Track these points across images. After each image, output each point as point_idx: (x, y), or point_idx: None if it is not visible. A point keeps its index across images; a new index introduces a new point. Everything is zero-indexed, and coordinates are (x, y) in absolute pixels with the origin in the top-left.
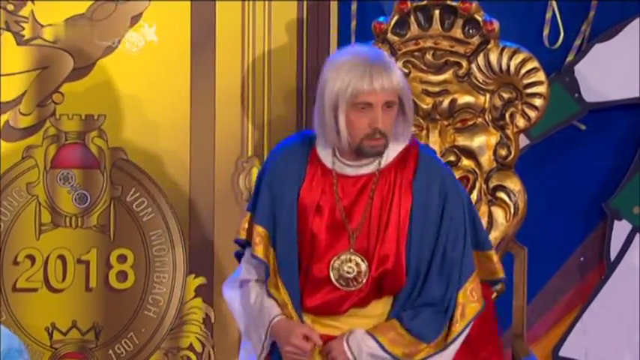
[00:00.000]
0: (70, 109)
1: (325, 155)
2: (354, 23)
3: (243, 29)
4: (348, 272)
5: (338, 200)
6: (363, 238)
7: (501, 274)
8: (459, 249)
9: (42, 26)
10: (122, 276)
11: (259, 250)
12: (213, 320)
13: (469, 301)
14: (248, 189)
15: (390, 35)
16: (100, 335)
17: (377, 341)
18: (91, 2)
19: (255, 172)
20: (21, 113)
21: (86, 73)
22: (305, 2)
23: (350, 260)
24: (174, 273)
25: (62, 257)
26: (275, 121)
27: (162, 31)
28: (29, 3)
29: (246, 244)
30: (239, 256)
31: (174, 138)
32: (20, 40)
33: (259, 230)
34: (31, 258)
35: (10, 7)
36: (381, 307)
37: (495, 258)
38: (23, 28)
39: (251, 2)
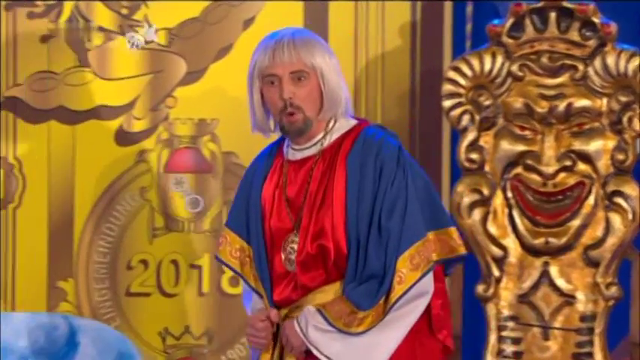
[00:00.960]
0: (183, 113)
1: (285, 147)
2: (469, 26)
3: (356, 31)
4: (290, 253)
5: (285, 187)
6: (304, 218)
7: (462, 251)
8: (396, 218)
9: (155, 30)
10: (234, 281)
11: (222, 251)
12: None
13: (409, 269)
14: None
15: (505, 38)
16: (212, 340)
17: (322, 314)
18: (205, 5)
19: None
20: (134, 117)
21: (199, 77)
22: (419, 3)
23: (293, 241)
24: None
25: (175, 262)
26: (388, 124)
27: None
28: (143, 7)
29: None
30: None
31: None
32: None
33: (227, 232)
34: (144, 263)
35: (125, 10)
36: (330, 293)
37: (456, 235)
38: (137, 32)
39: (364, 3)
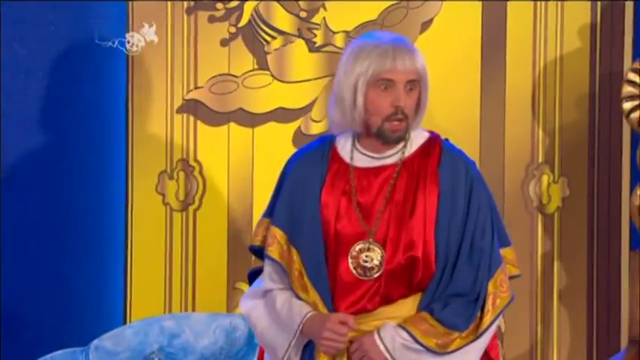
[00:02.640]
0: None
1: (344, 151)
2: None
3: (535, 32)
4: (365, 261)
5: (354, 195)
6: (383, 227)
7: (514, 272)
8: (487, 238)
9: (333, 33)
10: None
11: (273, 250)
12: (503, 330)
13: (500, 291)
14: (538, 196)
15: None
16: None
17: (409, 333)
18: (383, 8)
19: (545, 179)
20: (312, 120)
21: None
22: (599, 3)
23: (368, 249)
24: None
25: None
26: (566, 127)
27: (454, 33)
28: (321, 10)
29: (262, 250)
30: (251, 276)
31: (463, 143)
32: (312, 47)
33: (275, 232)
34: None
35: (303, 14)
36: (409, 305)
37: (512, 255)
38: (315, 35)
39: (543, 3)
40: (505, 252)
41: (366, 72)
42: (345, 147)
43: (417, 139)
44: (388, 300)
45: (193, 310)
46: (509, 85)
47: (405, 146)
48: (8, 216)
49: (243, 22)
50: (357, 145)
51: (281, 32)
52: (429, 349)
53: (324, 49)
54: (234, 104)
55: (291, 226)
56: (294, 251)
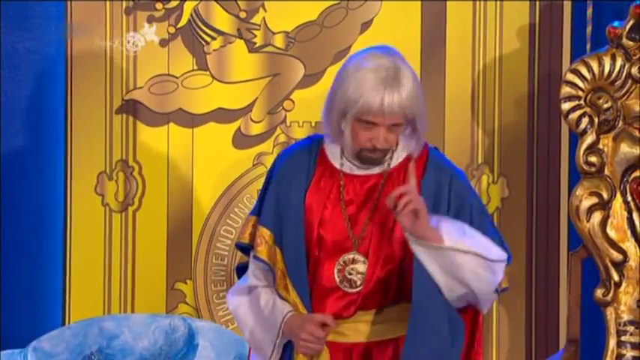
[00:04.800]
0: (301, 116)
1: (333, 155)
2: (589, 29)
3: (474, 31)
4: (350, 273)
5: (343, 202)
6: (367, 239)
7: (505, 284)
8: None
9: (273, 33)
10: None
11: (262, 251)
12: None
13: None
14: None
15: (625, 40)
16: None
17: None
18: (322, 8)
19: (485, 179)
20: (252, 120)
21: (317, 80)
22: (538, 4)
23: (353, 261)
24: None
25: None
26: (506, 127)
27: (393, 33)
28: (261, 10)
29: (249, 248)
30: (239, 270)
31: None
32: (252, 48)
33: (263, 232)
34: None
35: (243, 14)
36: (395, 312)
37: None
38: (255, 36)
39: (482, 3)
40: None
41: (354, 106)
42: (334, 150)
43: (404, 148)
44: (364, 309)
45: (132, 311)
46: (449, 85)
47: (391, 157)
48: None
49: (183, 22)
50: (345, 152)
51: (221, 33)
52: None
53: (263, 50)
54: (173, 104)
55: (277, 225)
56: (278, 251)
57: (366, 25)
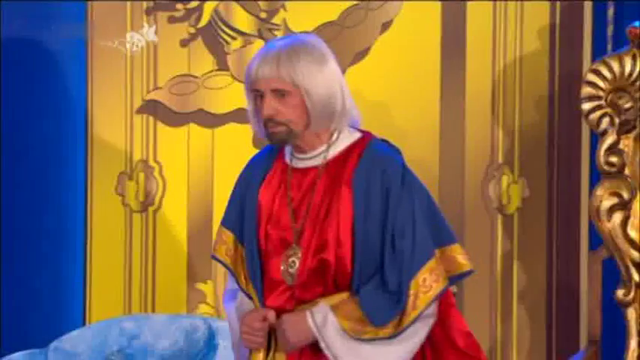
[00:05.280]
0: None
1: (288, 152)
2: (610, 29)
3: (494, 32)
4: (290, 266)
5: (289, 196)
6: (305, 231)
7: (466, 268)
8: (408, 238)
9: (294, 33)
10: None
11: (218, 249)
12: None
13: (421, 291)
14: (498, 197)
15: None
16: None
17: (334, 313)
18: (343, 9)
19: (505, 179)
20: None
21: None
22: (558, 4)
23: (294, 254)
24: None
25: None
26: (526, 128)
27: (413, 33)
28: (281, 10)
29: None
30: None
31: (423, 145)
32: None
33: (223, 232)
34: None
35: (263, 14)
36: (329, 302)
37: (460, 250)
38: (275, 36)
39: (502, 3)
40: (451, 249)
41: (245, 81)
42: (288, 148)
43: (345, 140)
44: (302, 301)
45: (153, 311)
46: (469, 86)
47: (327, 149)
48: None
49: (203, 22)
50: (291, 147)
51: (241, 33)
52: (344, 331)
53: None
54: (194, 105)
55: (238, 225)
56: (240, 249)
57: (386, 26)
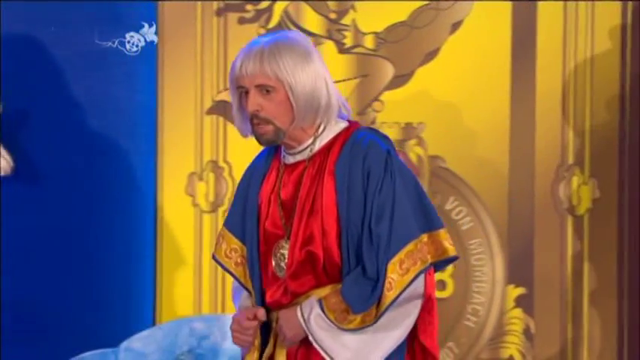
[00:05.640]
0: (390, 117)
1: (282, 149)
2: None
3: (565, 32)
4: (280, 259)
5: (279, 191)
6: (294, 224)
7: (451, 253)
8: (385, 223)
9: (363, 34)
10: (441, 285)
11: (218, 250)
12: (533, 331)
13: (398, 275)
14: (568, 197)
15: None
16: None
17: (320, 305)
18: (412, 9)
19: (575, 180)
20: None
21: (406, 80)
22: (630, 4)
23: (283, 247)
24: (493, 283)
25: None
26: (597, 128)
27: (484, 34)
28: (351, 11)
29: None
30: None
31: (493, 145)
32: (341, 48)
33: (224, 232)
34: None
35: (333, 15)
36: (323, 293)
37: (447, 236)
38: (345, 37)
39: (573, 3)
40: (438, 234)
41: (230, 80)
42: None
43: (330, 132)
44: (296, 294)
45: (223, 311)
46: (540, 86)
47: (313, 142)
48: (39, 217)
49: (273, 23)
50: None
51: (310, 33)
52: (330, 322)
53: (353, 51)
54: None
55: (239, 226)
56: (241, 246)
57: (456, 26)
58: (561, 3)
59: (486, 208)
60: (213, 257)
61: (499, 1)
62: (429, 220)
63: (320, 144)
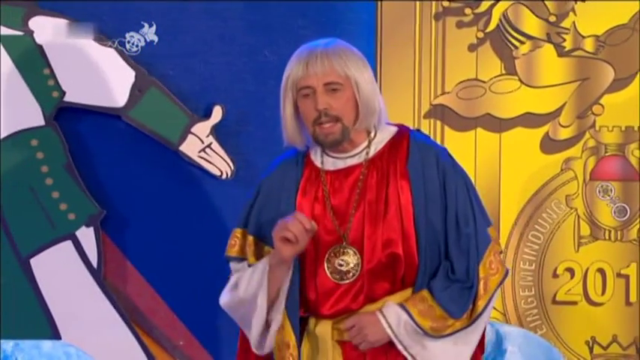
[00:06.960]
0: (610, 120)
1: (316, 157)
2: None
3: None
4: (340, 265)
5: (327, 199)
6: (357, 228)
7: (499, 248)
8: (471, 223)
9: (583, 37)
10: None
11: (233, 249)
12: None
13: (490, 274)
14: None
15: None
16: None
17: (407, 312)
18: (634, 11)
19: None
20: (560, 125)
21: (627, 84)
22: None
23: (343, 253)
24: None
25: (602, 271)
26: None
27: None
28: (571, 14)
29: (238, 260)
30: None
31: None
32: (561, 52)
33: (247, 237)
34: (570, 271)
35: (552, 18)
36: (397, 299)
37: (494, 234)
38: (564, 40)
39: None
40: (492, 230)
41: (287, 82)
42: (316, 152)
43: (384, 135)
44: (372, 298)
45: None
46: None
47: (368, 145)
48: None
49: (492, 26)
50: (325, 149)
51: (529, 37)
52: (423, 331)
53: (573, 54)
54: (481, 109)
55: (268, 234)
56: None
57: None
58: None
59: None
60: (227, 257)
61: None
62: (487, 217)
63: (376, 148)
